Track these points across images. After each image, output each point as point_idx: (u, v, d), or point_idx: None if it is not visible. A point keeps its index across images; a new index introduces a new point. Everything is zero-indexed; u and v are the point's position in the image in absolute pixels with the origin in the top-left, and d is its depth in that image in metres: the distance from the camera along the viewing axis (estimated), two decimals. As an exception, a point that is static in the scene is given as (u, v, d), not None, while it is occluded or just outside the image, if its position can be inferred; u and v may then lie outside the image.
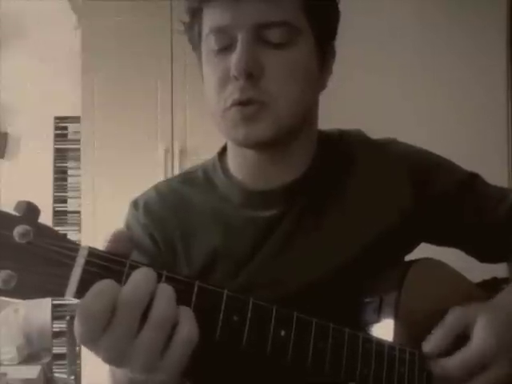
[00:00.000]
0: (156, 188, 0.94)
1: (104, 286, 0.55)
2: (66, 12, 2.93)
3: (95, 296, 0.55)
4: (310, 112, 0.88)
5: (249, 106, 0.79)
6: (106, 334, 0.56)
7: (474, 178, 0.98)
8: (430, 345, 0.76)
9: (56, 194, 3.25)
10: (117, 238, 0.60)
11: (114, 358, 0.57)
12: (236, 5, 0.77)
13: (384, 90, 2.82)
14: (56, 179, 3.26)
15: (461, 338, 0.77)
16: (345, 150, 0.94)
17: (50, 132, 3.27)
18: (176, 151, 2.79)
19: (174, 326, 0.58)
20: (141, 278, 0.57)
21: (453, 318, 0.78)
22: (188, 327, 0.58)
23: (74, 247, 0.56)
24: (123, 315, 0.55)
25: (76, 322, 0.56)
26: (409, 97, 2.84)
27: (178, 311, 0.58)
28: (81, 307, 0.55)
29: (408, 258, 0.93)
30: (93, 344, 0.56)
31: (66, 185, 3.26)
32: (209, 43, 0.82)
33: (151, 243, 0.88)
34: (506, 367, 0.75)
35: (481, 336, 0.75)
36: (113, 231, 0.61)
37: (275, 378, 0.74)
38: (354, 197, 0.90)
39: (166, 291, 0.58)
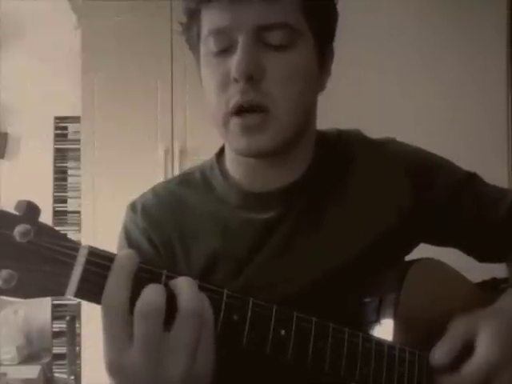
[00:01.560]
0: (153, 190, 0.94)
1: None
2: (66, 12, 2.92)
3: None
4: (309, 114, 0.88)
5: (249, 115, 0.79)
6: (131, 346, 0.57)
7: (472, 177, 0.98)
8: (435, 359, 0.76)
9: (56, 194, 3.25)
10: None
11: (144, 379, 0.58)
12: (236, 6, 0.77)
13: (383, 90, 2.81)
14: (56, 179, 3.26)
15: (465, 347, 0.77)
16: (343, 149, 0.94)
17: (50, 132, 3.27)
18: (176, 151, 2.79)
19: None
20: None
21: (455, 331, 0.78)
22: (210, 313, 0.60)
23: (75, 246, 0.56)
24: (142, 327, 0.57)
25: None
26: (408, 96, 2.84)
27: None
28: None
29: (408, 258, 0.93)
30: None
31: (66, 185, 3.26)
32: (208, 45, 0.81)
33: (150, 247, 0.87)
34: (510, 376, 0.76)
35: (485, 347, 0.75)
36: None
37: (275, 377, 0.74)
38: (353, 197, 0.90)
39: (188, 285, 0.59)
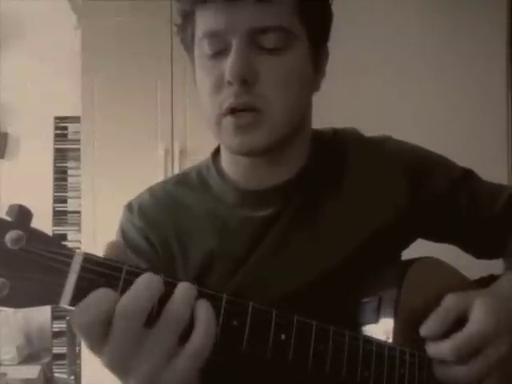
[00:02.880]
0: (150, 190, 0.94)
1: (97, 296, 0.54)
2: (66, 12, 2.92)
3: (87, 308, 0.54)
4: (304, 114, 0.88)
5: (243, 114, 0.78)
6: (106, 345, 0.55)
7: (468, 174, 0.99)
8: (426, 329, 0.76)
9: (56, 194, 3.24)
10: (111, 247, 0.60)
11: (116, 369, 0.57)
12: (230, 9, 0.76)
13: (382, 90, 2.82)
14: (56, 179, 3.26)
15: (459, 324, 0.75)
16: (339, 148, 0.94)
17: (50, 132, 3.27)
18: (176, 151, 2.79)
19: (188, 333, 0.57)
20: (142, 286, 0.55)
21: (449, 302, 0.77)
22: (204, 334, 0.57)
23: (69, 253, 0.55)
24: (121, 327, 0.54)
25: (76, 327, 0.55)
26: (407, 96, 2.84)
27: (197, 315, 0.57)
28: (74, 318, 0.54)
29: (407, 256, 0.93)
30: (96, 352, 0.56)
31: (66, 185, 3.26)
32: (202, 47, 0.81)
33: (147, 246, 0.87)
34: (503, 349, 0.75)
35: (478, 317, 0.74)
36: (108, 243, 0.60)
37: (275, 381, 0.73)
38: (350, 194, 0.90)
39: (183, 291, 0.57)
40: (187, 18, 0.83)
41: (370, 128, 1.00)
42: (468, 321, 0.75)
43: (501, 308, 0.76)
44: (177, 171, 2.72)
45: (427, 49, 2.86)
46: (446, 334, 0.75)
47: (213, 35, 0.79)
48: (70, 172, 3.26)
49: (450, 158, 0.99)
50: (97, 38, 2.79)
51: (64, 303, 0.54)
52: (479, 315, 0.74)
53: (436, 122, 2.80)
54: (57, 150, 3.27)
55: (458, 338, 0.74)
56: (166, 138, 2.81)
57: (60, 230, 3.15)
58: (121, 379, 0.58)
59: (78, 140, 2.96)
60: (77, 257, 0.55)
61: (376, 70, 2.80)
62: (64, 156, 3.27)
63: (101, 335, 0.54)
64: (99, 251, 0.57)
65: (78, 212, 3.01)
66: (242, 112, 0.78)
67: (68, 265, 0.54)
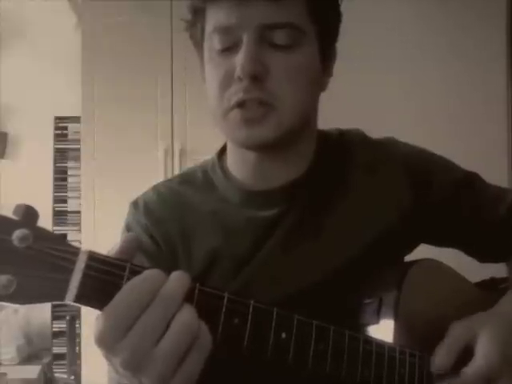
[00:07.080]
0: (156, 189, 0.95)
1: (148, 275, 0.56)
2: (66, 12, 2.92)
3: (140, 282, 0.56)
4: (310, 113, 0.88)
5: (252, 107, 0.79)
6: (132, 329, 0.55)
7: (472, 177, 0.99)
8: (436, 365, 0.76)
9: (56, 194, 3.24)
10: (127, 240, 0.61)
11: (131, 361, 0.55)
12: (241, 5, 0.77)
13: (383, 89, 2.81)
14: (56, 179, 3.25)
15: (465, 351, 0.76)
16: (344, 149, 0.94)
17: (49, 132, 3.26)
18: (176, 151, 2.78)
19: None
20: (175, 277, 0.57)
21: (455, 335, 0.77)
22: (207, 332, 0.58)
23: (74, 251, 0.55)
24: (158, 309, 0.55)
25: (101, 317, 0.55)
26: (408, 96, 2.84)
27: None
28: (119, 294, 0.55)
29: (408, 258, 0.93)
30: (112, 345, 0.55)
31: (66, 185, 3.25)
32: (212, 42, 0.81)
33: (152, 244, 0.88)
34: (510, 381, 0.76)
35: (484, 353, 0.75)
36: (125, 236, 0.62)
37: (276, 381, 0.74)
38: (354, 196, 0.90)
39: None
40: (197, 13, 0.84)
41: (372, 127, 1.00)
42: (475, 355, 0.76)
43: (506, 338, 0.77)
44: (177, 171, 2.72)
45: (428, 48, 2.86)
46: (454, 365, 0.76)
47: (223, 30, 0.79)
48: (70, 172, 3.25)
49: (451, 159, 0.99)
50: (97, 37, 2.78)
51: (69, 300, 0.55)
52: (484, 352, 0.75)
53: (437, 122, 2.80)
54: (57, 150, 3.26)
55: (468, 375, 0.75)
56: (166, 138, 2.80)
57: (60, 230, 3.15)
58: (133, 378, 0.57)
59: (78, 140, 2.95)
60: (82, 255, 0.56)
61: (377, 71, 2.80)
62: (64, 156, 3.26)
63: (134, 315, 0.55)
64: (99, 251, 0.57)
65: (78, 212, 3.01)
66: (251, 105, 0.79)
67: (73, 263, 0.55)
